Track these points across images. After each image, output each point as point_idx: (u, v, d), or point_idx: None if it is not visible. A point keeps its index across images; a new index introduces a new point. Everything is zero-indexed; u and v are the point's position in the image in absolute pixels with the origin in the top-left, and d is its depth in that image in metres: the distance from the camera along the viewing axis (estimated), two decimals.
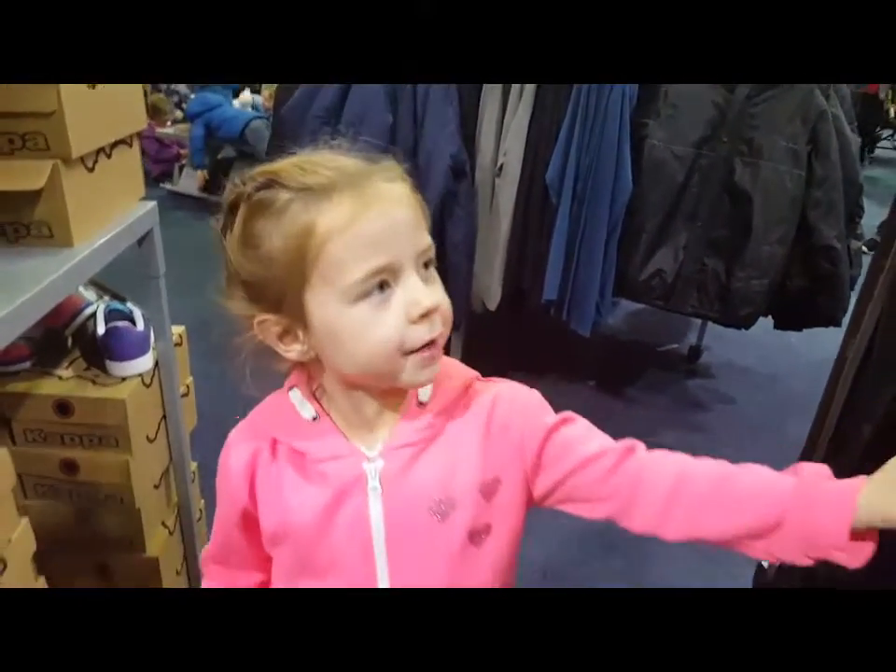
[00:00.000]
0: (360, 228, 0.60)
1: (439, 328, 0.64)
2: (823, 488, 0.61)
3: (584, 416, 0.75)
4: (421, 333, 0.63)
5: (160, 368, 1.31)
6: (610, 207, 2.11)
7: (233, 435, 0.75)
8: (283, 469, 0.71)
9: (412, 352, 0.63)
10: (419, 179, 2.09)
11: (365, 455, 0.69)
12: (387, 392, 0.69)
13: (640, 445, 0.70)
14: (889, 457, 0.59)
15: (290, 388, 0.72)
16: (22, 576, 0.95)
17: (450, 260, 2.24)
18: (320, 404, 0.71)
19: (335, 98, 2.16)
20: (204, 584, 0.84)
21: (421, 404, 0.70)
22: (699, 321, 2.94)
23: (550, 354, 2.85)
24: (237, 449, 0.73)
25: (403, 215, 0.63)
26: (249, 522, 0.75)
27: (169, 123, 5.31)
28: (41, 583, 1.02)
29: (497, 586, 0.72)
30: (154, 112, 5.05)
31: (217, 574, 0.83)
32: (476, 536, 0.70)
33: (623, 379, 2.88)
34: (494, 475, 0.70)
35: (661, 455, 0.69)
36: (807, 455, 1.21)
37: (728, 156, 2.14)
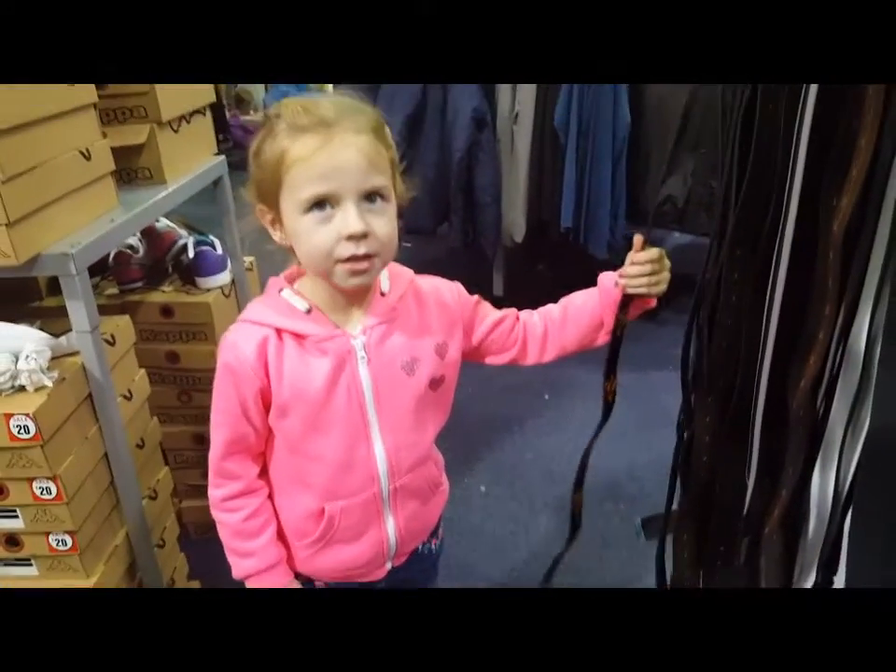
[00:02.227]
0: (313, 162, 0.79)
1: (363, 248, 0.81)
2: (609, 279, 0.98)
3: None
4: (347, 248, 0.81)
5: (235, 284, 1.73)
6: (612, 141, 2.39)
7: (234, 333, 0.89)
8: (289, 349, 0.87)
9: (339, 261, 0.82)
10: (448, 132, 2.45)
11: (350, 333, 0.89)
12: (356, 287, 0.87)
13: (515, 310, 1.03)
14: None
15: (280, 290, 0.91)
16: (141, 412, 1.39)
17: (479, 202, 2.59)
18: (306, 300, 0.89)
19: None
20: (227, 517, 0.93)
21: (383, 294, 0.91)
22: None
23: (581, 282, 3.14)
24: (245, 341, 0.87)
25: (353, 159, 0.80)
26: (258, 405, 0.88)
27: (252, 112, 5.57)
28: (154, 423, 1.45)
29: (443, 419, 0.99)
30: (238, 102, 5.43)
31: (234, 492, 0.93)
32: (434, 384, 0.93)
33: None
34: (443, 339, 0.94)
35: (529, 312, 1.03)
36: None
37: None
